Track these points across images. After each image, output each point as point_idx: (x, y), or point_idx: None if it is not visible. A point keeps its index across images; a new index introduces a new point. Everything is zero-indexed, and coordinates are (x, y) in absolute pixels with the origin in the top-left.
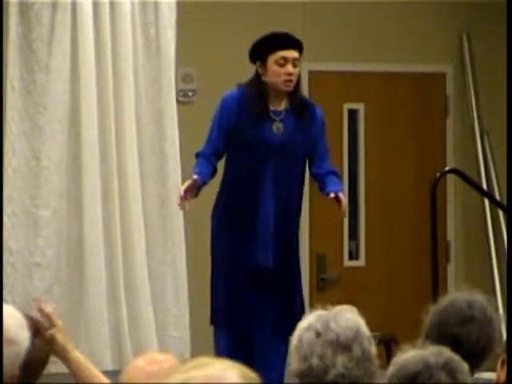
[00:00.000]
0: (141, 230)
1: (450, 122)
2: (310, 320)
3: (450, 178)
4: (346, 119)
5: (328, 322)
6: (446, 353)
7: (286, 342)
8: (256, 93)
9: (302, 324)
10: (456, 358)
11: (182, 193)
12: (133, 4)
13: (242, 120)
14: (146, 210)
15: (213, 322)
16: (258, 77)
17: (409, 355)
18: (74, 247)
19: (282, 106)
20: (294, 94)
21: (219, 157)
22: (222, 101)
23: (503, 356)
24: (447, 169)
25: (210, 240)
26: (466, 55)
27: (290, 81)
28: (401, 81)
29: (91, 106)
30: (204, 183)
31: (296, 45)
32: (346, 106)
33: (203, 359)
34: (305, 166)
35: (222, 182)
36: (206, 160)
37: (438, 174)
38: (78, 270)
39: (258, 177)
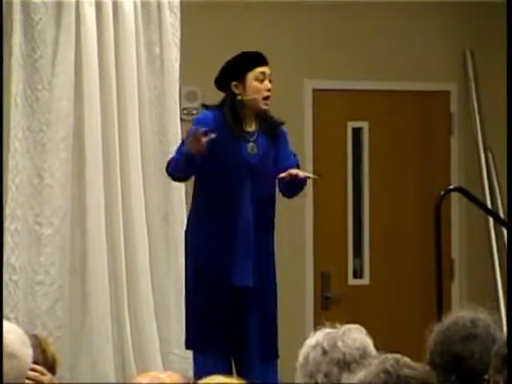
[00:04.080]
0: (144, 246)
1: (454, 140)
2: (318, 338)
3: (454, 195)
4: (350, 137)
5: (335, 341)
6: (388, 355)
7: (274, 364)
8: (232, 114)
9: (309, 342)
10: (396, 354)
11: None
12: (137, 22)
13: (218, 141)
14: (150, 227)
15: (191, 347)
16: (232, 98)
17: (361, 375)
18: (78, 265)
19: (253, 126)
20: (263, 115)
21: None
22: (197, 120)
23: (494, 379)
24: (451, 187)
25: (185, 261)
26: (469, 73)
27: (269, 97)
28: (405, 99)
29: (95, 124)
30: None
31: (267, 62)
32: (350, 125)
33: (217, 378)
34: (275, 186)
35: (196, 203)
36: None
37: (442, 192)
38: (82, 288)
39: (237, 198)
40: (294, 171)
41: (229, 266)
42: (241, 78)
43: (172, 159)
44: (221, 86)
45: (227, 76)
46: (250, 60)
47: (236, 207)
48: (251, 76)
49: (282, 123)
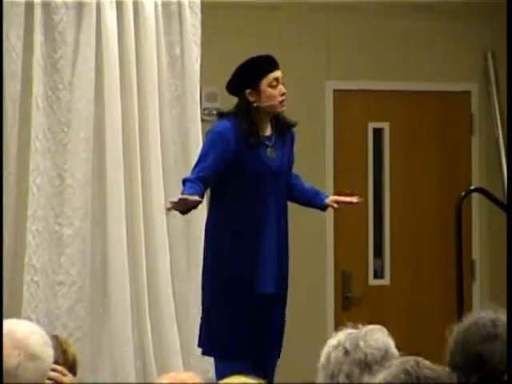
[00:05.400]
0: (165, 248)
1: (475, 140)
2: (340, 338)
3: (475, 196)
4: (371, 138)
5: (357, 341)
6: (409, 357)
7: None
8: (248, 122)
9: (331, 342)
10: (417, 357)
11: (177, 199)
12: (157, 23)
13: (240, 150)
14: (170, 229)
15: (211, 354)
16: (246, 105)
17: (380, 377)
18: (98, 266)
19: (269, 130)
20: (277, 116)
21: (207, 184)
22: (217, 133)
23: None
24: (472, 187)
25: (205, 270)
26: (490, 73)
27: (284, 101)
28: (426, 99)
29: (115, 125)
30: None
31: (278, 65)
32: (371, 125)
33: (238, 378)
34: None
35: (216, 211)
36: (194, 184)
37: (463, 193)
38: (102, 289)
39: (262, 204)
40: (340, 199)
41: (255, 274)
42: (255, 86)
43: (184, 182)
44: (234, 92)
45: (240, 83)
46: (262, 66)
47: (261, 214)
48: (265, 83)
49: (295, 124)
